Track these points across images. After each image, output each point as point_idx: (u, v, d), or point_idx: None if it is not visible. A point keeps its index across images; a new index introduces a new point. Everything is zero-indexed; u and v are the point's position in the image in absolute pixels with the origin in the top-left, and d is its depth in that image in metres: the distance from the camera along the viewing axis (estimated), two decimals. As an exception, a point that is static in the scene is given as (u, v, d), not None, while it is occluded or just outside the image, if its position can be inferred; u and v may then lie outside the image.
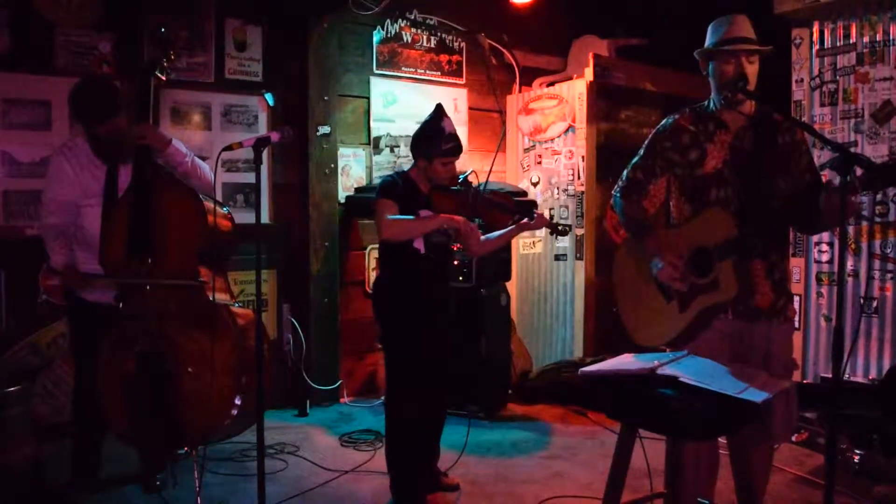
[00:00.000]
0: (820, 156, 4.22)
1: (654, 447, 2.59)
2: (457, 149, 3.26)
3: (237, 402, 3.12)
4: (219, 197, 4.44)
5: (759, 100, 2.66)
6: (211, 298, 3.10)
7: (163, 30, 3.37)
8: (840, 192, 2.19)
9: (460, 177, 3.37)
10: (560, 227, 3.40)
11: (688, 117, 2.80)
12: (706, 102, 2.79)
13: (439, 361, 3.40)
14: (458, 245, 3.46)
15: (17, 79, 4.04)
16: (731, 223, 2.59)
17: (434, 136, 3.24)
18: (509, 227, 3.38)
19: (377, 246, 3.73)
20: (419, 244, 3.26)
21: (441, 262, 3.39)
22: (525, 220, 3.38)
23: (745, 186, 2.66)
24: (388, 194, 3.22)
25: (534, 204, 5.03)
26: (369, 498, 3.47)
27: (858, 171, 2.23)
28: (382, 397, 4.78)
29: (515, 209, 3.41)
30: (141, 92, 3.21)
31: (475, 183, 3.37)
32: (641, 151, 2.89)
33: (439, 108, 3.33)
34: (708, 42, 2.72)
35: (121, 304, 3.14)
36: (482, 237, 3.44)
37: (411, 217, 3.18)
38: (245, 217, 4.40)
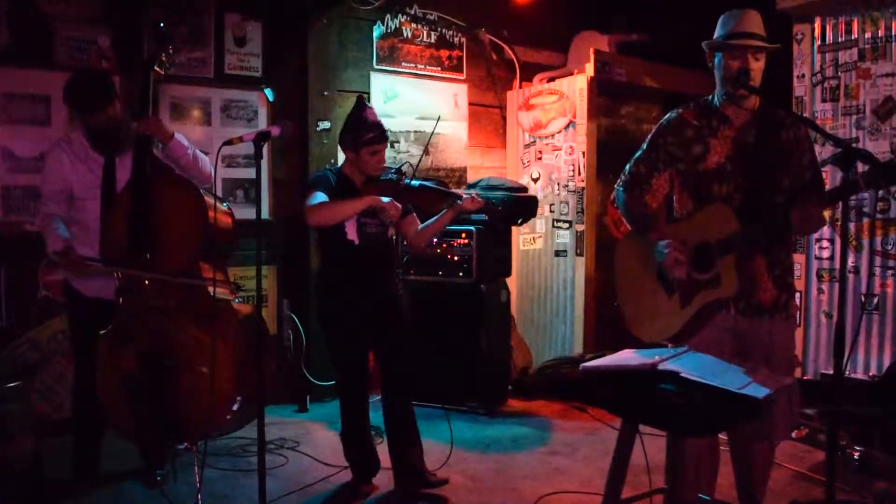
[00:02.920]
0: (821, 152, 4.21)
1: (654, 443, 2.58)
2: (381, 136, 3.28)
3: (238, 397, 3.12)
4: (218, 192, 4.44)
5: (762, 95, 2.66)
6: (212, 294, 3.09)
7: (162, 25, 3.36)
8: (833, 193, 2.19)
9: (394, 167, 3.38)
10: (497, 210, 3.36)
11: (692, 112, 2.79)
12: (710, 97, 2.78)
13: (358, 358, 3.43)
14: (406, 242, 3.48)
15: (16, 74, 4.03)
16: (732, 219, 2.58)
17: (357, 127, 3.27)
18: (443, 212, 3.38)
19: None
20: (353, 235, 3.27)
21: (378, 256, 3.39)
22: (457, 203, 3.33)
23: (747, 182, 2.65)
24: (315, 186, 3.23)
25: (534, 200, 5.01)
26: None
27: (860, 168, 2.22)
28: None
29: (447, 193, 3.40)
30: (141, 86, 3.20)
31: (408, 173, 3.37)
32: (644, 145, 2.88)
33: (360, 98, 3.37)
34: (716, 35, 2.70)
35: (121, 300, 3.13)
36: (419, 226, 3.46)
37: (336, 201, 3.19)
38: (245, 212, 4.39)
